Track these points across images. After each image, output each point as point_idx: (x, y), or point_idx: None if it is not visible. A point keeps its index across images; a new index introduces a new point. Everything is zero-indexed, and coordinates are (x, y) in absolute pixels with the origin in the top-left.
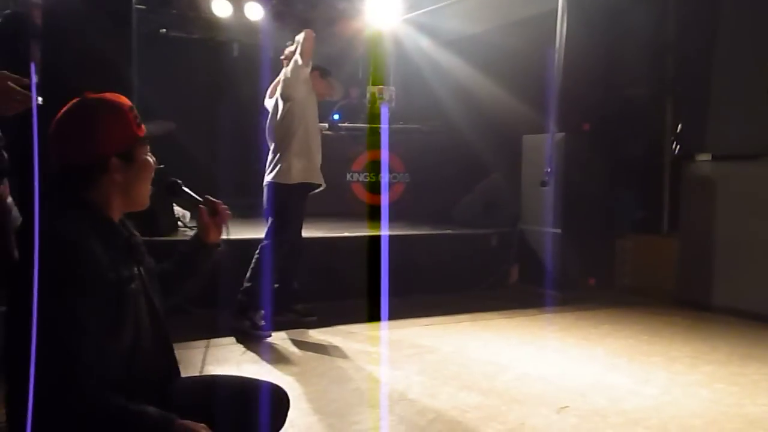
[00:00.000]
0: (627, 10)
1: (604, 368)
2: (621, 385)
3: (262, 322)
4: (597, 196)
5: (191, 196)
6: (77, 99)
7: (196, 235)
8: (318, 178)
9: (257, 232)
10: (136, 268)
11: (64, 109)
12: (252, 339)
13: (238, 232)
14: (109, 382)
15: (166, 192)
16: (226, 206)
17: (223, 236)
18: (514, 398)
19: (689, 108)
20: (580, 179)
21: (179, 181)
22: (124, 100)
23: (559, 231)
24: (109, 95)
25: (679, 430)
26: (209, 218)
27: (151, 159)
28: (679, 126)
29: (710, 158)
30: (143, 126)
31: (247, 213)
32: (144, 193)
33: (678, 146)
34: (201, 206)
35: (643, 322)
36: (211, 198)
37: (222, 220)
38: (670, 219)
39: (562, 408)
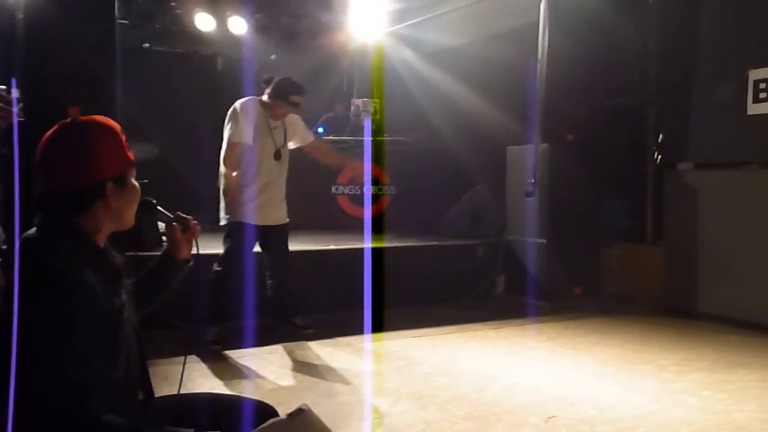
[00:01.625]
0: (609, 21)
1: (592, 377)
2: (609, 393)
3: (209, 338)
4: (582, 206)
5: (165, 214)
6: (67, 121)
7: (166, 250)
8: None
9: None
10: (124, 295)
11: (54, 131)
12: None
13: (219, 246)
14: (112, 410)
15: (140, 211)
16: (196, 222)
17: (193, 251)
18: (503, 409)
19: (671, 117)
20: (565, 189)
21: (153, 201)
22: (115, 123)
23: (544, 241)
24: (99, 118)
25: None
26: (181, 234)
27: (136, 183)
28: (661, 135)
29: (692, 167)
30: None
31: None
32: (131, 217)
33: (660, 155)
34: (174, 223)
35: (631, 331)
36: (183, 214)
37: (193, 236)
38: (654, 227)
39: (550, 418)
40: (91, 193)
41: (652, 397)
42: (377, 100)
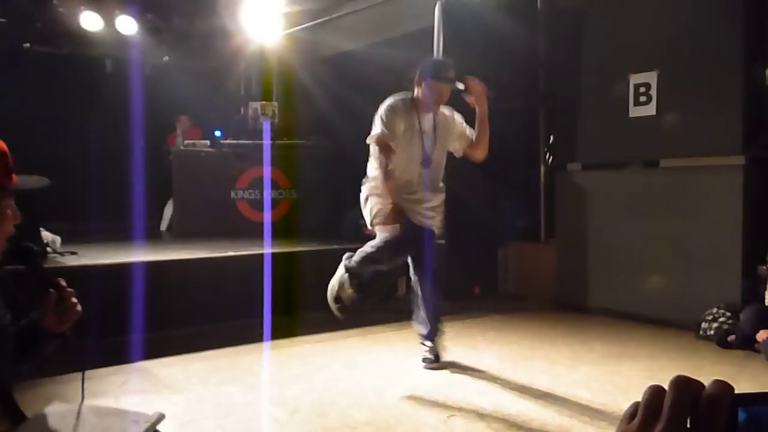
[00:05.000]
0: (501, 29)
1: (490, 374)
2: (506, 390)
3: None
4: (479, 208)
5: (43, 272)
6: None
7: (35, 317)
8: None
9: (129, 256)
10: None
11: None
12: None
13: (109, 256)
14: None
15: (16, 257)
16: (77, 301)
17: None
18: (403, 411)
19: (560, 120)
20: (463, 191)
21: (36, 248)
22: (2, 145)
23: (443, 242)
24: None
25: (558, 431)
26: (54, 306)
27: (11, 212)
28: (551, 137)
29: (580, 167)
30: (14, 176)
31: (118, 236)
32: None
33: (551, 157)
34: (50, 290)
35: (526, 327)
36: (63, 284)
37: (68, 317)
38: (547, 226)
39: (449, 417)
40: None
41: (545, 392)
42: (275, 104)
